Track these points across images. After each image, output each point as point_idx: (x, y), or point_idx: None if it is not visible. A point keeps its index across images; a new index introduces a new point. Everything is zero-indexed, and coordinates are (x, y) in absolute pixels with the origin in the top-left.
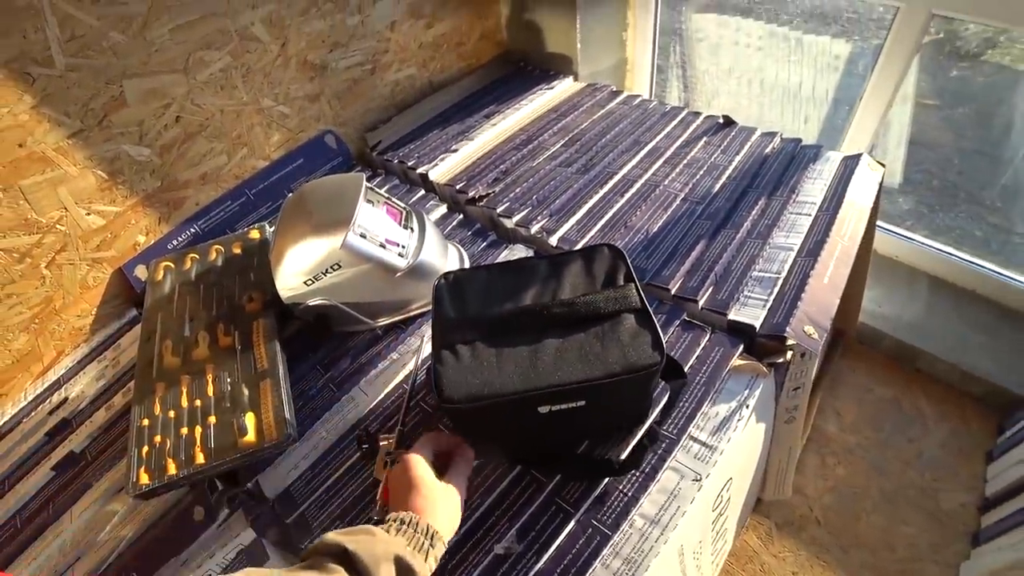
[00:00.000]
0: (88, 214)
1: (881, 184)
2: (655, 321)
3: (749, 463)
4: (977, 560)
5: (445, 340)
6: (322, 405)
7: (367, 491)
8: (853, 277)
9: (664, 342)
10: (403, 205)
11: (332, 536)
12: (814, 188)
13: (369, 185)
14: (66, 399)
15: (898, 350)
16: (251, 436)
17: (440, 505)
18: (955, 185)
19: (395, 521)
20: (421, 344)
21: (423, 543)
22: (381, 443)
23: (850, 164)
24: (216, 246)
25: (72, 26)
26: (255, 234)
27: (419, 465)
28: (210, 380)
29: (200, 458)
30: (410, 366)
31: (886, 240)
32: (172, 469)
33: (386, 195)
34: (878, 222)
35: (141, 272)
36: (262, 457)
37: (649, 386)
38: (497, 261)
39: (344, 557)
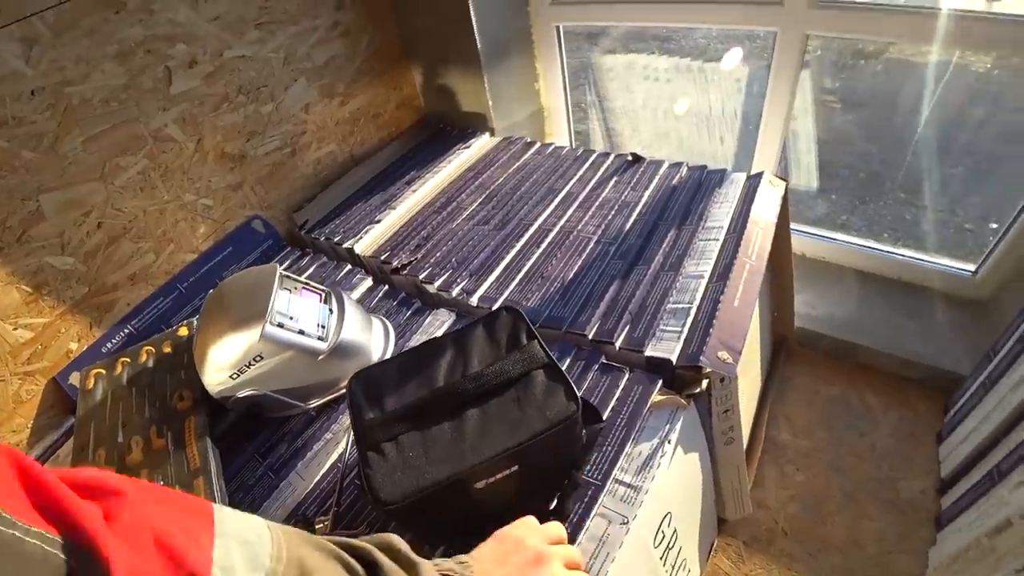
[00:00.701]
0: (15, 328)
1: (786, 196)
2: (563, 372)
3: (689, 493)
4: (942, 544)
5: (368, 442)
6: (262, 494)
7: None
8: (780, 285)
9: (576, 390)
10: (321, 287)
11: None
12: (720, 212)
13: (285, 273)
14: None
15: (837, 348)
16: None
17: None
18: (867, 176)
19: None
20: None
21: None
22: (317, 526)
23: (752, 183)
24: (147, 347)
25: None
26: (183, 331)
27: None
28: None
29: None
30: (342, 444)
31: (809, 243)
32: None
33: (303, 280)
34: (799, 227)
35: (76, 379)
36: None
37: (573, 435)
38: (420, 331)
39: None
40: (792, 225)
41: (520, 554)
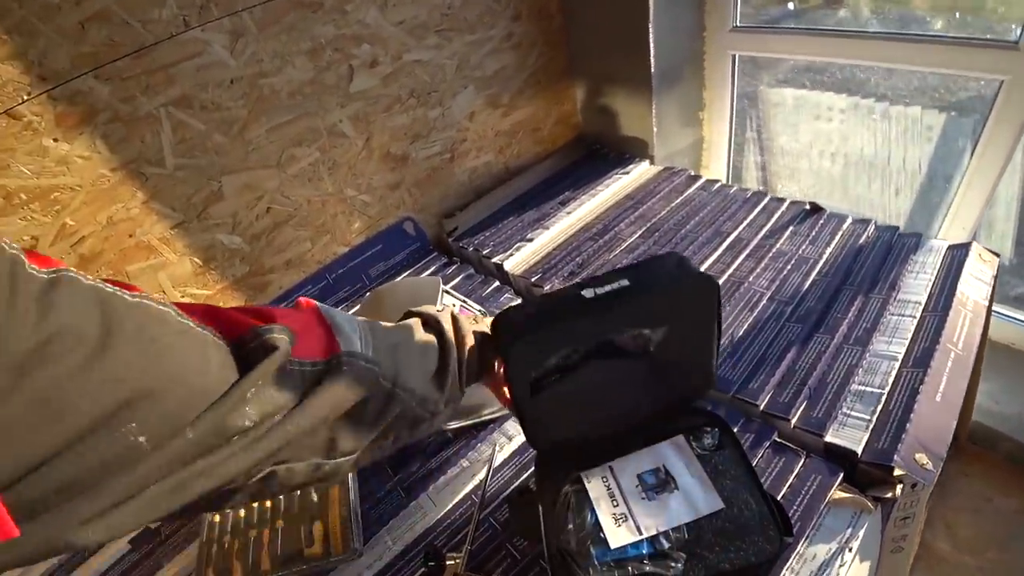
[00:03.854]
0: (182, 296)
1: (996, 276)
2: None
3: None
4: None
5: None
6: (389, 511)
7: None
8: None
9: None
10: (477, 308)
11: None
12: (917, 284)
13: (446, 289)
14: None
15: (1021, 454)
16: (317, 547)
17: None
18: None
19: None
20: (493, 452)
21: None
22: (448, 562)
23: (957, 255)
24: None
25: (183, 131)
26: None
27: None
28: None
29: (266, 563)
30: (480, 475)
31: (1001, 325)
32: (237, 572)
33: (462, 298)
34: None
35: None
36: (326, 569)
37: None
38: None
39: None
40: None
41: None
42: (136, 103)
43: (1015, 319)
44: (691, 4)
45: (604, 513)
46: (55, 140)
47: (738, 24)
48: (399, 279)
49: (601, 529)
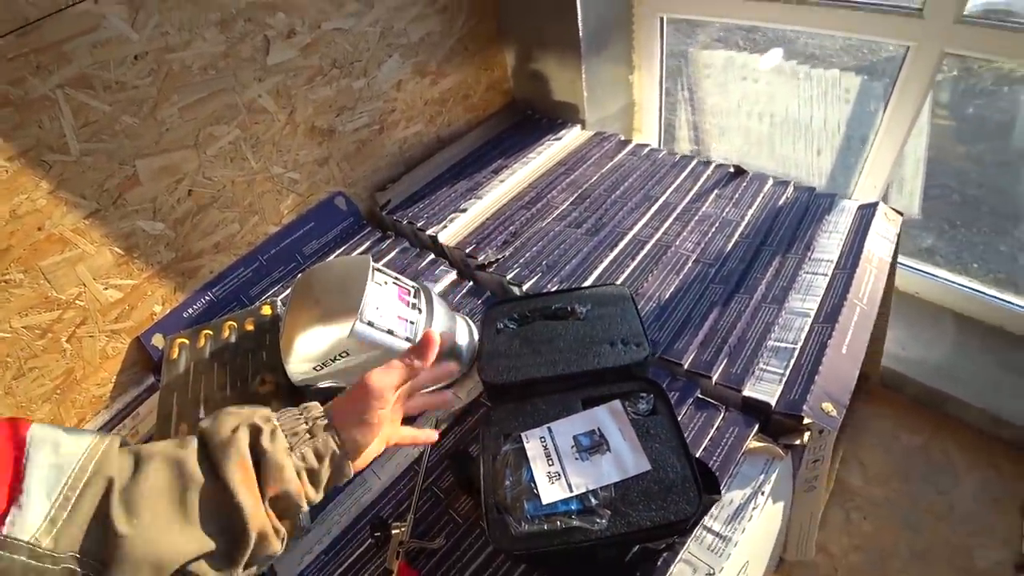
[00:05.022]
0: (106, 288)
1: (899, 234)
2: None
3: (766, 543)
4: None
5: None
6: (335, 488)
7: None
8: (875, 320)
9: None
10: (411, 283)
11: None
12: (830, 243)
13: (376, 266)
14: None
15: (925, 394)
16: None
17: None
18: (976, 199)
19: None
20: (435, 423)
21: (300, 424)
22: (394, 531)
23: (866, 214)
24: (230, 322)
25: (85, 113)
26: (267, 310)
27: (376, 388)
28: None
29: None
30: (419, 448)
31: (908, 277)
32: None
33: (394, 275)
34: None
35: (158, 341)
36: None
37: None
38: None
39: (201, 433)
40: None
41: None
42: (27, 85)
43: (921, 271)
44: None
45: (539, 471)
46: None
47: None
48: (328, 260)
49: (535, 486)
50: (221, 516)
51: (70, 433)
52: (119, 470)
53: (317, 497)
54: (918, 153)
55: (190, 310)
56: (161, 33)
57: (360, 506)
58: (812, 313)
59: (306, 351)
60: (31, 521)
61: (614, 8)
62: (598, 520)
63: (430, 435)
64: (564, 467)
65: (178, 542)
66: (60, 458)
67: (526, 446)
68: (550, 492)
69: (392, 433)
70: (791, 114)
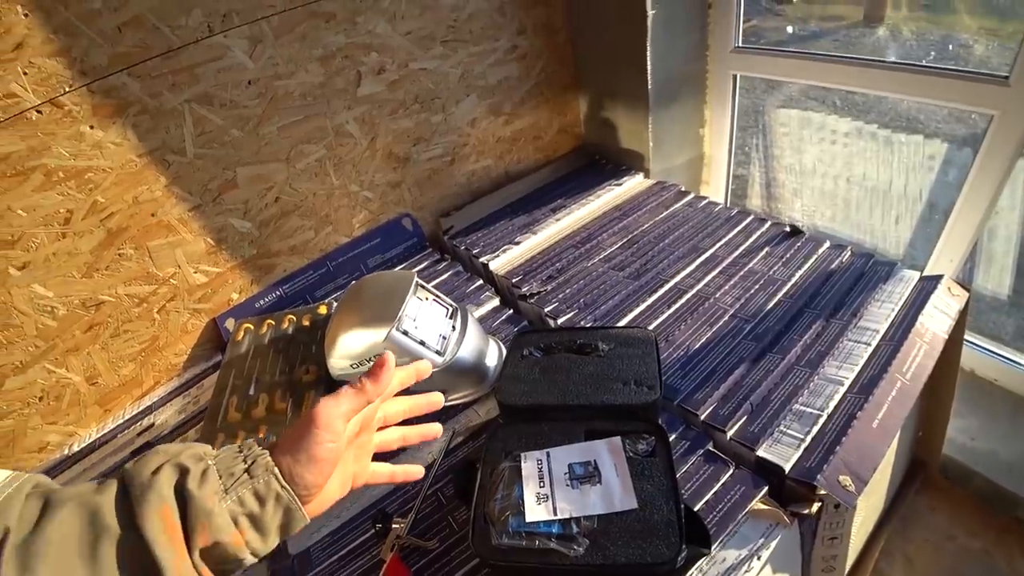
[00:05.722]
0: (195, 272)
1: (965, 310)
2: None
3: None
4: None
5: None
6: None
7: (374, 568)
8: (935, 402)
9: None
10: (450, 302)
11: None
12: (880, 312)
13: (420, 282)
14: (153, 424)
15: (992, 493)
16: None
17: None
18: None
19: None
20: (451, 436)
21: (238, 463)
22: (394, 526)
23: (927, 287)
24: (290, 315)
25: (203, 124)
26: (323, 309)
27: (323, 423)
28: (262, 439)
29: None
30: (434, 454)
31: (986, 361)
32: None
33: (435, 292)
34: (974, 338)
35: (230, 324)
36: None
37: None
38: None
39: (122, 475)
40: (967, 335)
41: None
42: (163, 99)
43: (1001, 356)
44: (693, 25)
45: (529, 491)
46: (91, 127)
47: (739, 45)
48: (381, 272)
49: (523, 504)
50: (136, 572)
51: None
52: (19, 519)
53: (265, 546)
54: (1010, 229)
55: (261, 301)
56: (272, 64)
57: (371, 498)
58: (847, 382)
59: (346, 349)
60: None
61: (687, 64)
62: (575, 547)
63: (410, 471)
64: (553, 491)
65: None
66: None
67: (522, 465)
68: (535, 511)
69: (359, 471)
70: (869, 178)
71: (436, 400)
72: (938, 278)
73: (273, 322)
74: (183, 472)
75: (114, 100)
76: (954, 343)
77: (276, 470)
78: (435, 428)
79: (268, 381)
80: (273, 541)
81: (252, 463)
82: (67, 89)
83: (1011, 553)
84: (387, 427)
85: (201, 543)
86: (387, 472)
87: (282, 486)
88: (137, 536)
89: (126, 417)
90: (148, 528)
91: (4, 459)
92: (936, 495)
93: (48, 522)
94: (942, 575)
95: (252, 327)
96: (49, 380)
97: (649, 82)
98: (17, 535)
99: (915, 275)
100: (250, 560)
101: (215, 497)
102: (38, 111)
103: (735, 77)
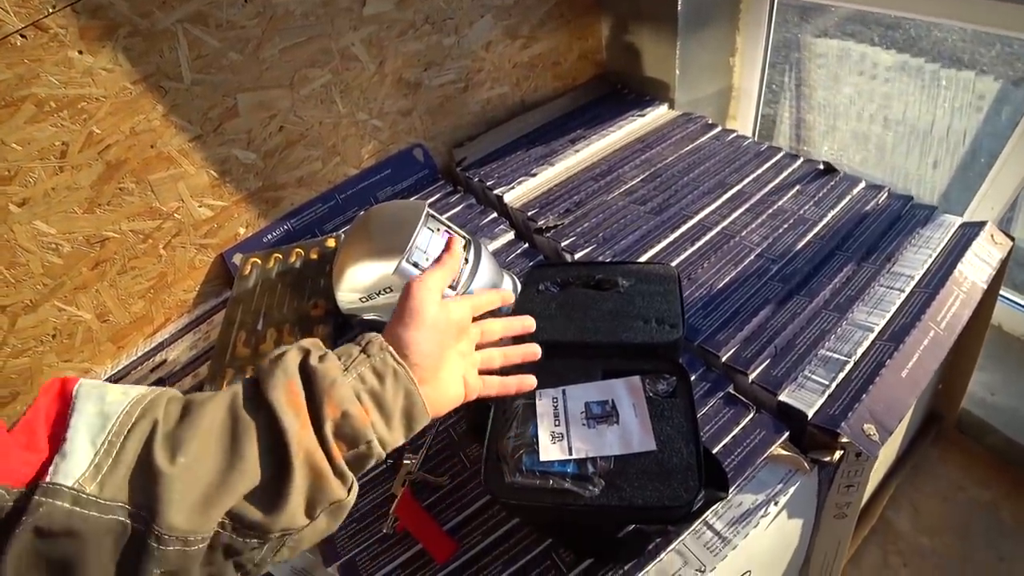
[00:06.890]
0: (200, 206)
1: (1007, 260)
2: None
3: (775, 558)
4: None
5: None
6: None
7: (385, 502)
8: (960, 355)
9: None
10: (463, 233)
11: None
12: (916, 258)
13: (431, 212)
14: (165, 361)
15: (1006, 448)
16: None
17: (422, 335)
18: None
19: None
20: None
21: (353, 347)
22: (405, 461)
23: (968, 233)
24: (297, 249)
25: (199, 47)
26: (331, 243)
27: (422, 290)
28: None
29: None
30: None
31: (1016, 316)
32: None
33: (447, 223)
34: (1005, 292)
35: (238, 259)
36: None
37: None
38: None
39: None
40: None
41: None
42: (153, 18)
43: None
44: None
45: (544, 429)
46: (80, 52)
47: None
48: (390, 201)
49: (537, 442)
50: (266, 443)
51: (120, 387)
52: (165, 414)
53: (390, 434)
54: None
55: (269, 236)
56: None
57: None
58: (877, 329)
59: (354, 282)
60: (75, 468)
61: None
62: (591, 488)
63: (524, 381)
64: (569, 430)
65: (223, 477)
66: (106, 406)
67: (537, 403)
68: (550, 451)
69: (469, 378)
70: (909, 118)
71: (529, 324)
72: (981, 224)
73: (280, 256)
74: (305, 353)
75: (101, 21)
76: (990, 294)
77: (390, 348)
78: (530, 379)
79: (276, 316)
80: (398, 431)
81: (367, 343)
82: (51, 10)
83: (1018, 508)
84: (486, 346)
85: (331, 414)
86: (498, 382)
87: (398, 362)
88: (266, 411)
89: (139, 354)
90: (275, 401)
91: (24, 396)
92: (949, 448)
93: (191, 415)
94: (947, 524)
95: (259, 261)
96: (60, 318)
97: (679, 3)
98: (165, 425)
99: (956, 220)
100: (378, 450)
101: (337, 370)
102: (22, 35)
103: (772, 1)
